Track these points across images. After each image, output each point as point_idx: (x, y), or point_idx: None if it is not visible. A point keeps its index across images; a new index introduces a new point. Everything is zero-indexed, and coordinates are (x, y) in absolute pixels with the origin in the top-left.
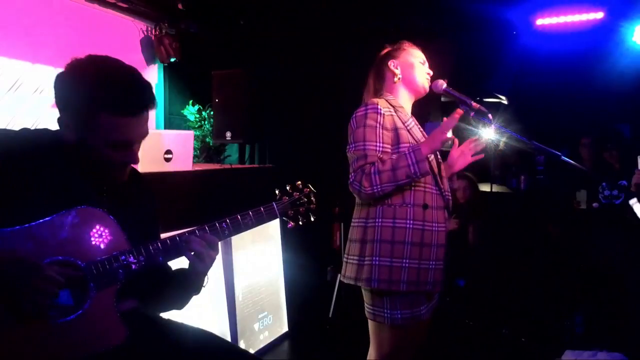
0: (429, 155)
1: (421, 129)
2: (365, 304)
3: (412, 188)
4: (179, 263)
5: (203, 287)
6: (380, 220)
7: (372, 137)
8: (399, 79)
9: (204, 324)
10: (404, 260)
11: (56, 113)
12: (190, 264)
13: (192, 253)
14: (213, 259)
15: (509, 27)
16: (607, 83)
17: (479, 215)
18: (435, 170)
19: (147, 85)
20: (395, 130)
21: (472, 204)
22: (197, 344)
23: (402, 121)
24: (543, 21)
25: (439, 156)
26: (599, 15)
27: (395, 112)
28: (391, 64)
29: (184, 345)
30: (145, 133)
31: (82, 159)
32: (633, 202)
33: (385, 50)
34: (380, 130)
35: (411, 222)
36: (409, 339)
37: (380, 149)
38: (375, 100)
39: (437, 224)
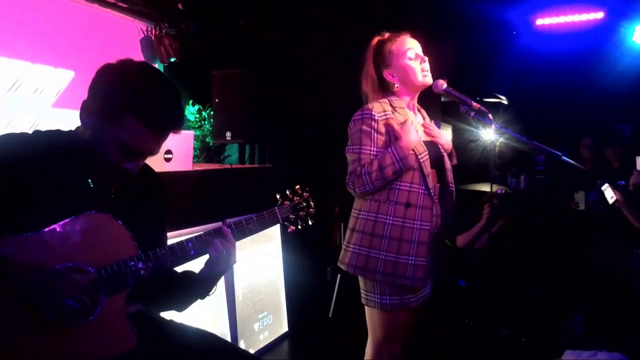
0: (413, 150)
1: (424, 123)
2: (361, 290)
3: (398, 187)
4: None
5: (209, 295)
6: (366, 213)
7: (367, 142)
8: (397, 88)
9: (204, 324)
10: (381, 253)
11: (56, 113)
12: (206, 264)
13: (214, 252)
14: (230, 260)
15: (509, 27)
16: (607, 83)
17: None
18: (427, 170)
19: (181, 112)
20: (389, 133)
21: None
22: (197, 344)
23: (399, 122)
24: (543, 21)
25: (442, 151)
26: (599, 15)
27: (394, 112)
28: (387, 75)
29: (185, 346)
30: (156, 151)
31: (91, 158)
32: (605, 187)
33: (373, 54)
34: (375, 135)
35: (391, 218)
36: (400, 325)
37: (374, 152)
38: (371, 105)
39: (421, 222)
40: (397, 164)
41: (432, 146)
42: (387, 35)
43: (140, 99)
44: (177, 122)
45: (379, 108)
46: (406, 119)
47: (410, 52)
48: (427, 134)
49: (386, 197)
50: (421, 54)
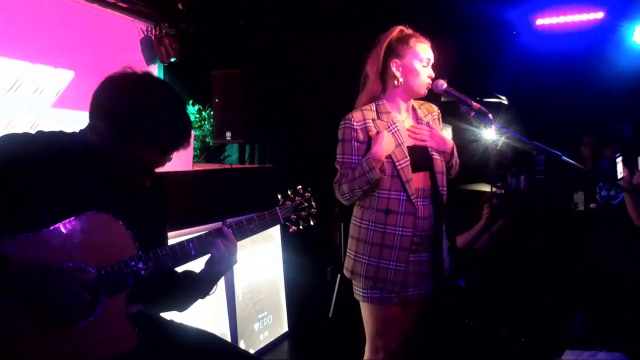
0: (391, 158)
1: (409, 129)
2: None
3: (377, 194)
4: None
5: (209, 295)
6: (354, 219)
7: (347, 151)
8: (399, 83)
9: (204, 324)
10: (364, 257)
11: (56, 113)
12: (207, 264)
13: (215, 252)
14: (231, 260)
15: (509, 27)
16: (607, 83)
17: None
18: (405, 177)
19: (190, 125)
20: (369, 140)
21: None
22: (197, 344)
23: (380, 129)
24: (543, 21)
25: (431, 154)
26: (599, 15)
27: (378, 118)
28: (393, 65)
29: (185, 346)
30: (166, 163)
31: (100, 163)
32: (619, 159)
33: (390, 40)
34: (354, 144)
35: (373, 224)
36: (386, 318)
37: (355, 160)
38: (350, 115)
39: (403, 229)
40: (368, 175)
41: (418, 150)
42: (411, 31)
43: (155, 132)
44: (188, 140)
45: (358, 116)
46: (378, 130)
47: (425, 60)
48: (413, 138)
49: (369, 204)
50: (431, 69)
